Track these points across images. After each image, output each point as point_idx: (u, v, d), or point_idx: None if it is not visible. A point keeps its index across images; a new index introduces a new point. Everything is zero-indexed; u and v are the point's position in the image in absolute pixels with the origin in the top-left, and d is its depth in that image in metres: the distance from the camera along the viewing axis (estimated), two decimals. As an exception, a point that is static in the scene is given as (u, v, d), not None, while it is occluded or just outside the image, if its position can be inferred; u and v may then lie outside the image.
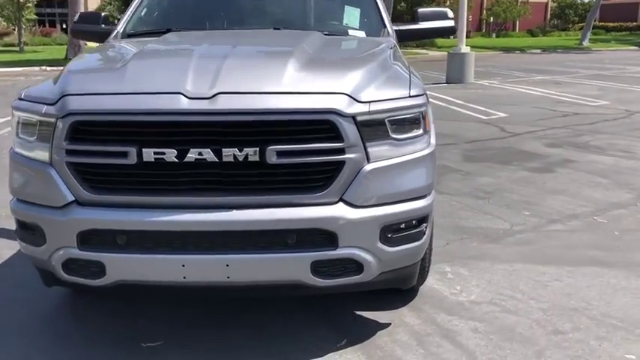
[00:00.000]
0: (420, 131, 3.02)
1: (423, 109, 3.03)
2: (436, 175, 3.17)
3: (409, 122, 2.98)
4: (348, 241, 2.81)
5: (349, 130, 2.75)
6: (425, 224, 3.07)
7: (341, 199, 2.81)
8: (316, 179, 2.78)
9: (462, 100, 12.02)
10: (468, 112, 10.60)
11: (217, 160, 2.68)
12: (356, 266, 2.88)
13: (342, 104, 2.75)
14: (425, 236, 3.08)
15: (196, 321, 3.39)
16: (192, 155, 2.68)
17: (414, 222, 3.01)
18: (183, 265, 2.79)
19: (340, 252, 2.82)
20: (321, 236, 2.79)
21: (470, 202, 5.51)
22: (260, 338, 3.22)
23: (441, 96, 12.39)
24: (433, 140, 3.13)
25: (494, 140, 8.36)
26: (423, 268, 3.45)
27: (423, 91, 3.07)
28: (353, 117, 2.76)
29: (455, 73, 15.43)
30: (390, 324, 3.35)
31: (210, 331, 3.28)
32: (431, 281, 3.86)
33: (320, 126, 2.73)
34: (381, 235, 2.89)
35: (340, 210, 2.79)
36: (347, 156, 2.76)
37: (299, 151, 2.72)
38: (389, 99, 2.91)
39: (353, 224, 2.81)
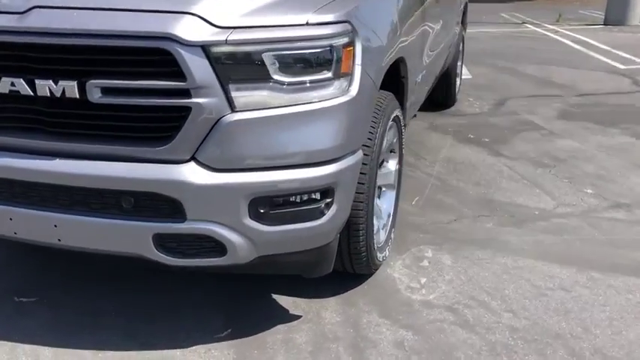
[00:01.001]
0: (329, 74, 2.21)
1: (334, 42, 2.20)
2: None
3: (309, 60, 2.18)
4: (199, 213, 2.16)
5: (195, 65, 2.03)
6: (328, 199, 2.30)
7: (193, 158, 2.14)
8: (156, 128, 2.13)
9: (607, 45, 10.13)
10: (605, 60, 8.87)
11: (32, 94, 2.13)
12: (216, 246, 2.22)
13: (183, 28, 2.03)
14: (328, 215, 2.31)
15: (76, 282, 2.95)
16: (4, 85, 2.15)
17: (306, 196, 2.26)
18: (10, 219, 2.33)
19: (190, 226, 2.17)
20: (165, 204, 2.17)
21: (525, 170, 4.44)
22: (131, 312, 2.70)
23: (584, 39, 10.58)
24: (354, 87, 2.30)
25: (615, 95, 6.84)
26: (358, 252, 2.68)
27: (339, 18, 2.24)
28: (202, 47, 2.04)
29: (615, 13, 13.07)
30: (299, 317, 2.66)
31: (82, 298, 2.82)
32: (397, 266, 3.07)
33: (155, 57, 2.05)
34: (250, 209, 2.19)
35: (188, 172, 2.12)
36: (194, 100, 2.07)
37: (129, 89, 2.08)
38: (268, 26, 2.13)
39: (205, 192, 2.14)
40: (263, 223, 2.22)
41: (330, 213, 2.33)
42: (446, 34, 4.82)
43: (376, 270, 2.96)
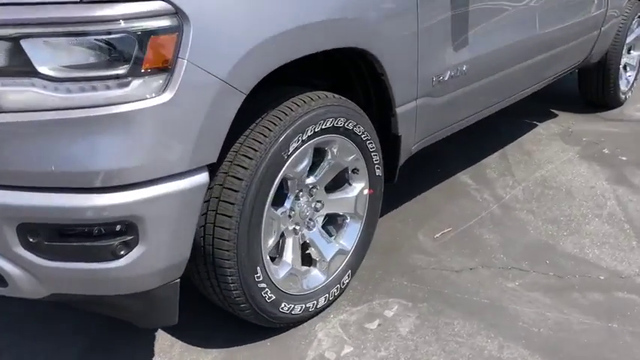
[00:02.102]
0: (122, 70, 1.63)
1: (131, 27, 1.61)
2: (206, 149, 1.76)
3: (91, 50, 1.62)
4: None
5: None
6: (126, 237, 1.74)
7: None
8: None
9: None
10: None
11: None
12: (-7, 274, 1.82)
13: None
14: (129, 257, 1.75)
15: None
16: None
17: (96, 230, 1.73)
18: None
19: None
20: None
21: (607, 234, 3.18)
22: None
23: None
24: (174, 89, 1.67)
25: None
26: (234, 302, 2.06)
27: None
28: None
29: None
30: (156, 367, 2.14)
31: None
32: (333, 322, 2.34)
33: None
34: (20, 236, 1.74)
35: None
36: None
37: None
38: (31, 3, 1.60)
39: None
40: (39, 256, 1.75)
41: (133, 255, 1.76)
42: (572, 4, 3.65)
43: (289, 324, 2.30)
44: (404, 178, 3.03)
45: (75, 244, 1.73)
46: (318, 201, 2.33)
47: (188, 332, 2.27)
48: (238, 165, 1.95)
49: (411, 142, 2.67)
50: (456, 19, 2.65)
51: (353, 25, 2.15)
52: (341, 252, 2.42)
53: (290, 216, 2.22)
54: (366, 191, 2.44)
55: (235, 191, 1.95)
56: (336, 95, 2.22)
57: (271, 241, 2.13)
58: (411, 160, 2.80)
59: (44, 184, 1.69)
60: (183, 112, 1.72)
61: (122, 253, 1.75)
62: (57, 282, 1.81)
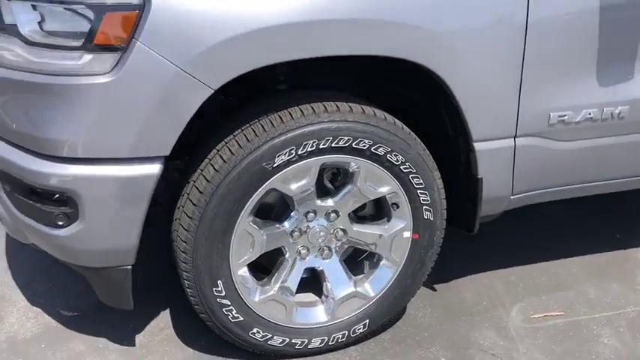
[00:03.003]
0: (75, 42, 1.58)
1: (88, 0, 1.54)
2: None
3: (58, 17, 1.60)
4: None
5: None
6: (67, 209, 1.72)
7: None
8: None
9: None
10: None
11: None
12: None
13: None
14: (69, 230, 1.74)
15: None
16: None
17: (41, 193, 1.75)
18: None
19: None
20: None
21: None
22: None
23: None
24: (123, 69, 1.56)
25: None
26: (203, 313, 1.89)
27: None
28: None
29: None
30: None
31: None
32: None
33: None
34: (1, 183, 1.84)
35: None
36: None
37: None
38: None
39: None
40: (13, 204, 1.84)
41: (73, 228, 1.72)
42: None
43: (268, 353, 2.01)
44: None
45: (29, 201, 1.76)
46: (342, 229, 1.99)
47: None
48: (212, 165, 1.76)
49: (503, 191, 2.08)
50: (607, 36, 1.94)
51: (395, 31, 1.72)
52: (358, 296, 2.04)
53: (292, 236, 1.94)
54: (407, 234, 2.00)
55: (200, 193, 1.76)
56: (370, 111, 1.83)
57: (246, 257, 1.88)
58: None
59: (9, 138, 1.76)
60: (130, 96, 1.59)
61: (62, 223, 1.73)
62: (28, 233, 1.88)
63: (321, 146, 1.77)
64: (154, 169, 1.68)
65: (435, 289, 2.42)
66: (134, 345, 2.10)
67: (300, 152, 1.76)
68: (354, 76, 2.13)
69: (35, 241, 1.89)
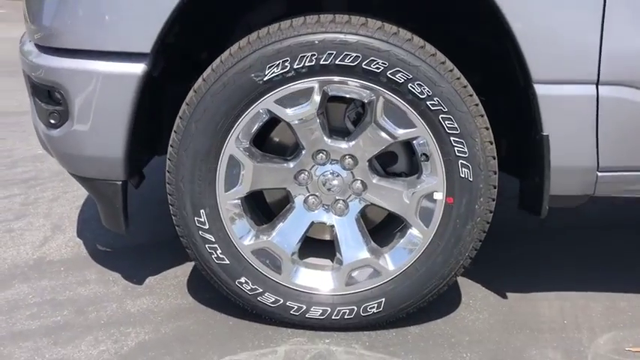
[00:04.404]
0: None
1: None
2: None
3: None
4: None
5: None
6: (57, 107, 1.67)
7: None
8: None
9: None
10: None
11: None
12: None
13: None
14: (61, 130, 1.69)
15: None
16: None
17: (40, 87, 1.72)
18: None
19: None
20: None
21: None
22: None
23: None
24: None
25: None
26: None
27: None
28: None
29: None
30: None
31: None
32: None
33: None
34: None
35: None
36: None
37: None
38: None
39: None
40: (32, 105, 1.82)
41: (64, 129, 1.65)
42: None
43: (259, 312, 1.71)
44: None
45: (34, 98, 1.74)
46: (361, 181, 1.65)
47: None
48: (201, 76, 1.57)
49: (584, 160, 1.56)
50: None
51: None
52: (374, 266, 1.66)
53: (296, 178, 1.65)
54: (439, 195, 1.59)
55: (187, 104, 1.58)
56: (391, 28, 1.49)
57: (235, 189, 1.63)
58: None
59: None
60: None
61: (54, 122, 1.68)
62: (41, 136, 1.85)
63: (322, 61, 1.49)
64: (137, 68, 1.55)
65: (505, 297, 1.92)
66: (141, 284, 1.96)
67: (296, 66, 1.49)
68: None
69: (46, 147, 1.87)
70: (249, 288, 1.68)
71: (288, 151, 1.74)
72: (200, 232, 1.65)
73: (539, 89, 1.49)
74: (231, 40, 1.68)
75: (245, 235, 1.67)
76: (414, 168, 1.69)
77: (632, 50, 1.47)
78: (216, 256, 1.66)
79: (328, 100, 1.60)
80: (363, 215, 1.72)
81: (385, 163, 1.71)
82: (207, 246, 1.66)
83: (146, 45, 1.53)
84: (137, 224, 2.17)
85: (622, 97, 1.50)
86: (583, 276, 2.04)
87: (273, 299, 1.69)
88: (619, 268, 2.10)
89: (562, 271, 2.07)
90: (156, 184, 2.08)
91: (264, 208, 1.85)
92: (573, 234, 2.34)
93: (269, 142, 1.77)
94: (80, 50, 1.59)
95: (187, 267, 2.06)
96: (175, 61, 1.79)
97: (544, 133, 1.53)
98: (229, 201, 1.64)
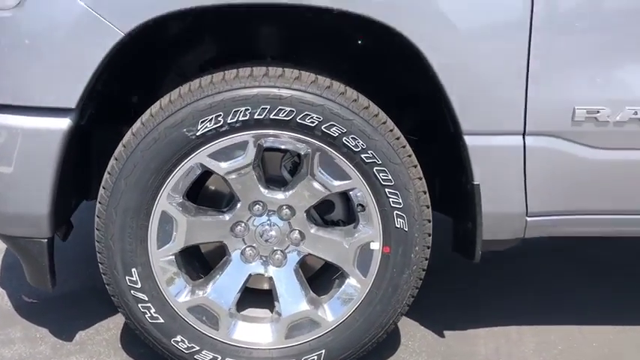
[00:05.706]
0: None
1: None
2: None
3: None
4: None
5: None
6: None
7: None
8: None
9: None
10: None
11: None
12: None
13: None
14: None
15: None
16: None
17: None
18: None
19: None
20: None
21: None
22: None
23: None
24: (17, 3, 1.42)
25: None
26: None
27: None
28: None
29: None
30: None
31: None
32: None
33: None
34: None
35: None
36: None
37: None
38: None
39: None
40: None
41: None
42: None
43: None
44: None
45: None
46: (299, 232, 1.63)
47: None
48: (130, 130, 1.52)
49: (513, 206, 1.61)
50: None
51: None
52: (313, 318, 1.65)
53: (233, 230, 1.62)
54: (375, 245, 1.60)
55: (115, 159, 1.53)
56: (325, 81, 1.49)
57: (168, 245, 1.58)
58: None
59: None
60: (34, 35, 1.45)
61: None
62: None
63: (256, 116, 1.47)
64: (62, 123, 1.49)
65: (443, 335, 1.94)
66: (71, 340, 1.88)
67: (230, 121, 1.47)
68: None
69: None
70: (186, 346, 1.63)
71: (224, 201, 1.71)
72: (132, 292, 1.59)
73: (469, 140, 1.53)
74: (163, 84, 1.65)
75: (180, 292, 1.63)
76: (351, 215, 1.69)
77: (555, 102, 1.52)
78: (149, 315, 1.61)
79: (264, 149, 1.58)
80: (301, 263, 1.71)
81: (323, 211, 1.71)
82: (140, 305, 1.60)
83: (72, 100, 1.47)
84: (65, 267, 2.07)
85: (548, 146, 1.55)
86: (518, 307, 2.09)
87: (211, 357, 1.64)
88: (550, 298, 2.16)
89: (499, 303, 2.11)
90: (84, 222, 1.99)
91: (200, 257, 1.81)
92: (510, 266, 2.40)
93: (204, 191, 1.74)
94: (2, 105, 1.51)
95: (120, 318, 1.98)
96: (104, 105, 1.73)
97: (475, 182, 1.56)
98: (162, 258, 1.59)
